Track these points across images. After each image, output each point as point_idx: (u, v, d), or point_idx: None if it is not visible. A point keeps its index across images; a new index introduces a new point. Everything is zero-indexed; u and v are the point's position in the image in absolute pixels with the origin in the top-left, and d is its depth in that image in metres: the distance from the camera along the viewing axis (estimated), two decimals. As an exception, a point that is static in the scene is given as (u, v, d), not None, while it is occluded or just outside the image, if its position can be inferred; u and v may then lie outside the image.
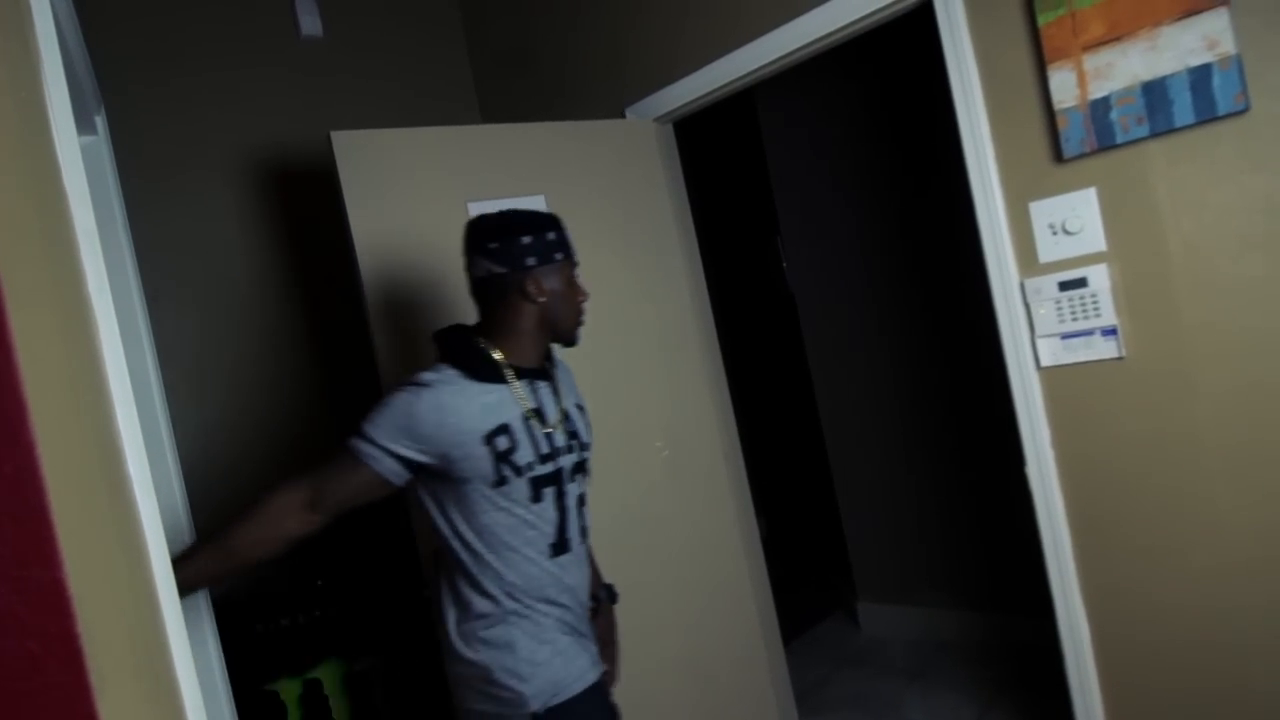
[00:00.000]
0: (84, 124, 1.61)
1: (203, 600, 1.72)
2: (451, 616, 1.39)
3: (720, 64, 2.21)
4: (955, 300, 3.05)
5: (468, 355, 1.36)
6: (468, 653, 1.36)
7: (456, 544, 1.36)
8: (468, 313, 1.45)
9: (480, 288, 1.39)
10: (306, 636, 2.05)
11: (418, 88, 2.87)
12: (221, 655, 1.74)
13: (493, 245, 1.34)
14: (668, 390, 2.30)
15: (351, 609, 2.13)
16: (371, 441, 1.29)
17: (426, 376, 1.32)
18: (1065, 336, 1.73)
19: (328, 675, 2.07)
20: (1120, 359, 1.67)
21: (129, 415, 0.94)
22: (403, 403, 1.29)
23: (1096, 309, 1.68)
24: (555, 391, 1.46)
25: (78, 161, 0.93)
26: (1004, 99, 1.75)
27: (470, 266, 1.39)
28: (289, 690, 2.05)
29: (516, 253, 1.34)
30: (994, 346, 1.84)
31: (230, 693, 1.75)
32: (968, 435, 3.13)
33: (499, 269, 1.34)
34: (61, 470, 0.59)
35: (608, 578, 1.71)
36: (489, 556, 1.35)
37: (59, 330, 0.73)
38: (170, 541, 1.65)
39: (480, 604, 1.36)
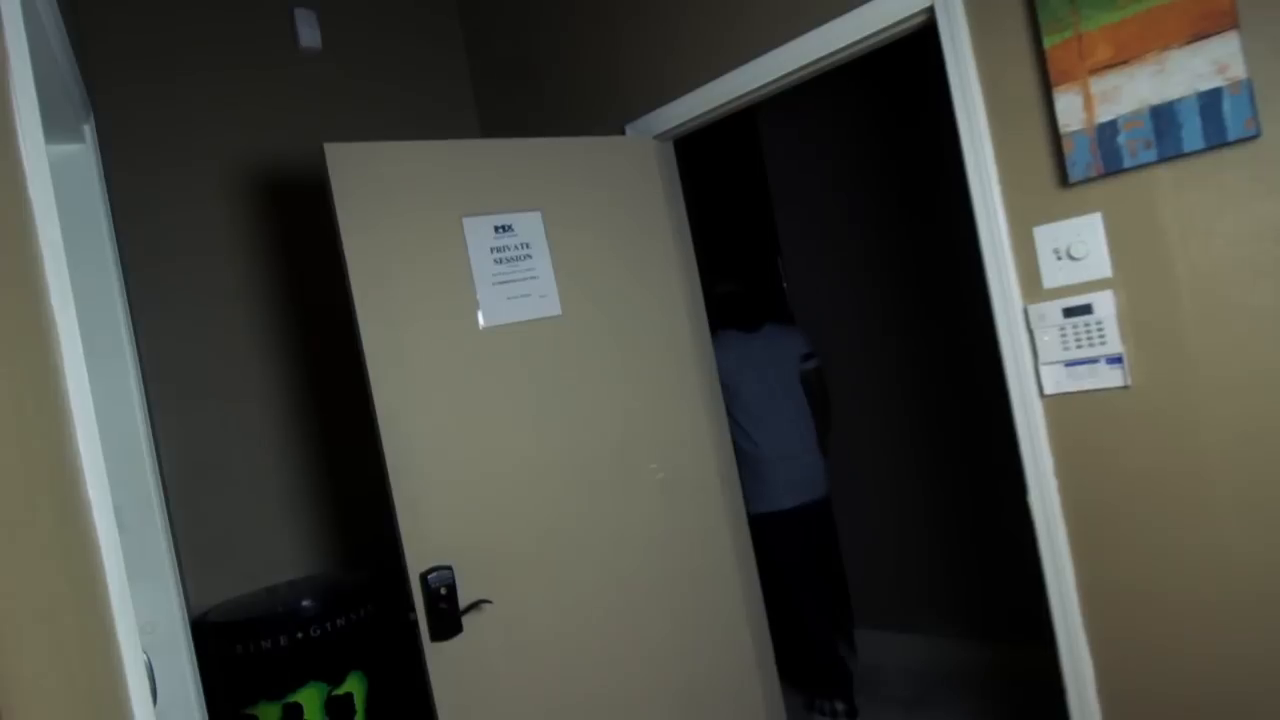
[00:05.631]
0: (71, 132, 1.58)
1: (181, 622, 1.68)
2: None
3: (721, 82, 2.18)
4: (958, 324, 3.01)
5: None
6: None
7: None
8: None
9: None
10: (288, 659, 2.00)
11: (416, 101, 2.85)
12: (199, 679, 1.69)
13: None
14: (663, 411, 2.26)
15: (336, 631, 2.08)
16: None
17: None
18: (1069, 364, 1.68)
19: (309, 699, 2.02)
20: (1126, 388, 1.63)
21: (90, 436, 0.90)
22: None
23: (1102, 336, 1.64)
24: None
25: (44, 171, 0.90)
26: (1008, 121, 1.72)
27: None
28: (268, 714, 1.99)
29: None
30: (997, 372, 1.80)
31: (206, 717, 1.70)
32: (970, 460, 3.08)
33: None
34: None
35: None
36: None
37: (5, 347, 0.69)
38: (146, 561, 1.61)
39: None
